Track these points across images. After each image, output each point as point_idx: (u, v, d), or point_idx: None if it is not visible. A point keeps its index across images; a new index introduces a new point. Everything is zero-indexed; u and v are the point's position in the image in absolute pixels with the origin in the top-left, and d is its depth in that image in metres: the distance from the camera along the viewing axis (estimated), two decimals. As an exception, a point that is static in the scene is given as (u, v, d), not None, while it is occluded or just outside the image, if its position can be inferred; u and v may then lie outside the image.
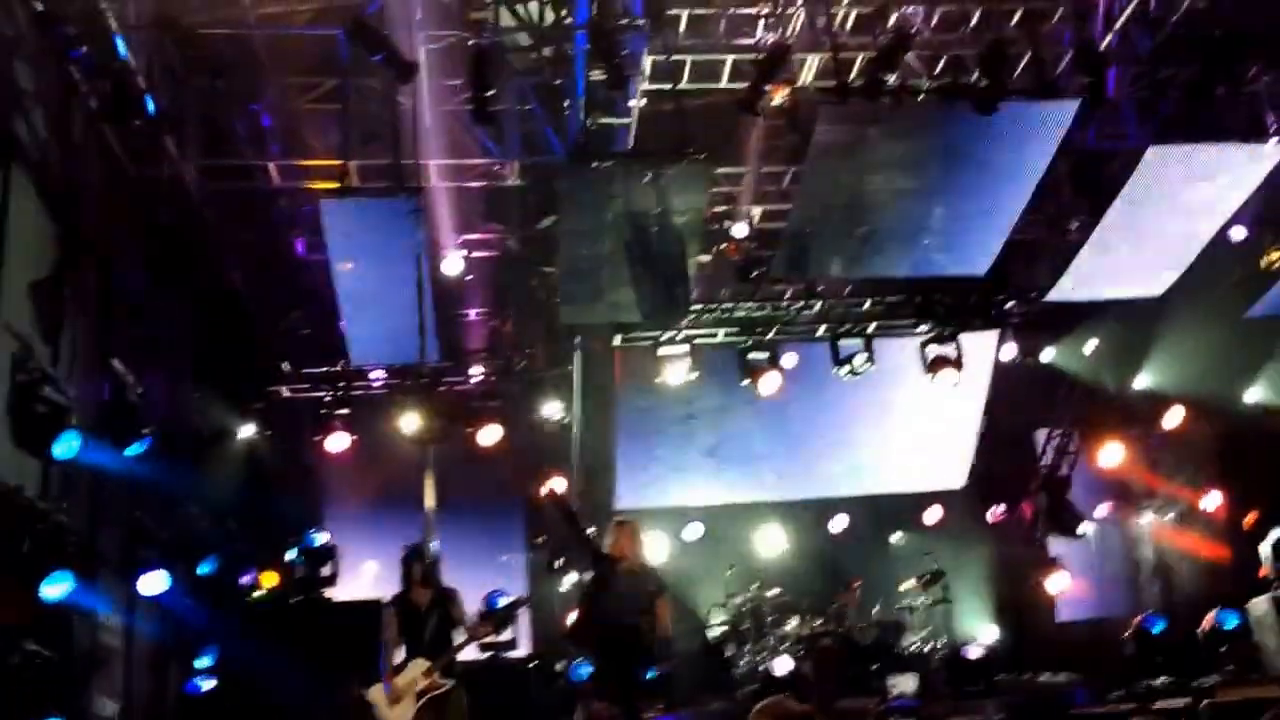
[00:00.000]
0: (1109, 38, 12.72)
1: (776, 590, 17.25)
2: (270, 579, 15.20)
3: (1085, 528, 18.11)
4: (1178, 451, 18.97)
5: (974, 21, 12.85)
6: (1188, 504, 19.05)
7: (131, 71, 10.90)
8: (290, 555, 15.47)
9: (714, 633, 17.28)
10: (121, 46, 10.64)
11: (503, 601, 14.24)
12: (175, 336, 14.07)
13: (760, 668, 16.10)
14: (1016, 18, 12.72)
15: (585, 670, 15.30)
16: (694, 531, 18.65)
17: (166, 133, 12.44)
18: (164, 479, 13.55)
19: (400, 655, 11.51)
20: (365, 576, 16.40)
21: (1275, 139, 14.16)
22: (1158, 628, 16.19)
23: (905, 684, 15.27)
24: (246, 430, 15.18)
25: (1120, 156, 14.44)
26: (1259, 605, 14.96)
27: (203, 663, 14.12)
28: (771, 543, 18.95)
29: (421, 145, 13.26)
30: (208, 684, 13.83)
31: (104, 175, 12.53)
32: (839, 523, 19.22)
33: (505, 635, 14.94)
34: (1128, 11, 12.47)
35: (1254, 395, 18.01)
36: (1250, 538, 17.22)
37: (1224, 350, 17.47)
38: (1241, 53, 12.62)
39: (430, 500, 15.90)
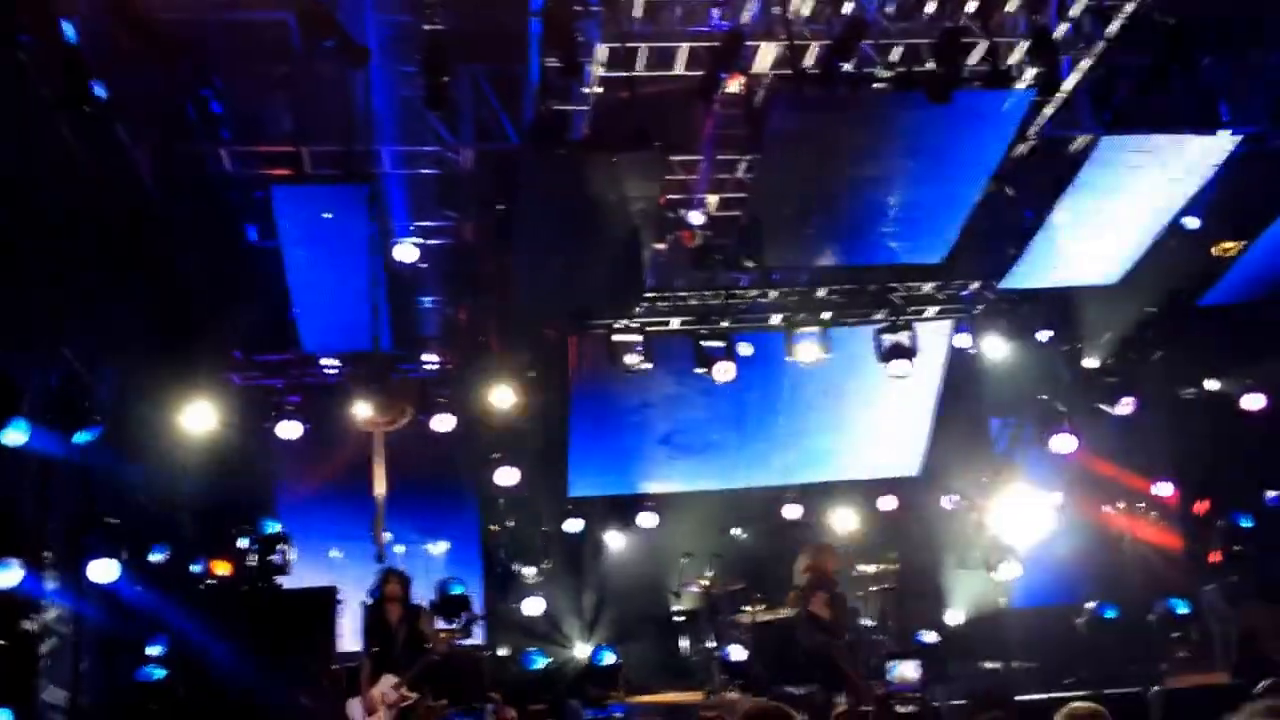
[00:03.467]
0: (1063, 26, 12.75)
1: (731, 578, 17.27)
2: (222, 567, 15.12)
3: (1039, 514, 18.24)
4: (1131, 439, 19.08)
5: (929, 10, 12.83)
6: (1140, 491, 19.19)
7: (81, 56, 10.76)
8: (242, 543, 15.38)
9: (668, 622, 17.28)
10: (70, 31, 10.49)
11: (456, 589, 14.31)
12: (126, 323, 13.93)
13: (715, 656, 16.12)
14: (972, 6, 12.71)
15: (538, 659, 15.33)
16: (648, 520, 18.63)
17: (117, 119, 12.32)
18: (114, 466, 13.48)
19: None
20: (318, 564, 16.33)
21: (1228, 129, 14.27)
22: (1110, 614, 16.34)
23: (906, 670, 15.25)
24: (197, 418, 15.05)
25: (1075, 145, 14.52)
26: (1209, 592, 15.10)
27: (153, 651, 14.06)
28: (726, 531, 18.96)
29: (375, 131, 13.18)
30: (158, 672, 13.74)
31: (54, 161, 12.39)
32: (793, 511, 19.25)
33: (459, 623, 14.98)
34: (1082, 1, 12.50)
35: (1206, 386, 18.14)
36: (1201, 525, 17.42)
37: (1176, 338, 17.60)
38: (1195, 42, 12.66)
39: (382, 488, 15.83)
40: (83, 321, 13.11)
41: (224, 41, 12.62)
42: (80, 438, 12.57)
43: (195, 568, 15.07)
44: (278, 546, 15.35)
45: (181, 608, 14.28)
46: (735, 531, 19.07)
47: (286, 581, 15.52)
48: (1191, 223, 15.66)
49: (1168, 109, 14.04)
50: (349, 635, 14.60)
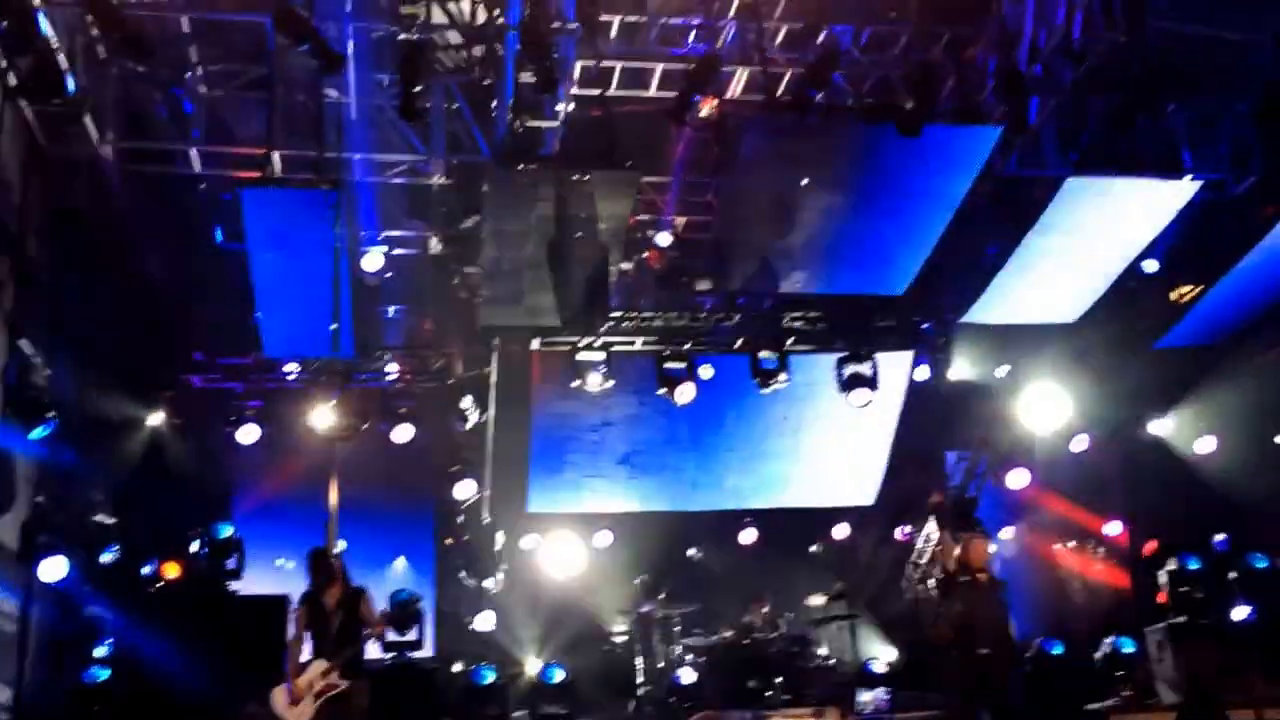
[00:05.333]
0: (1033, 67, 12.89)
1: (683, 600, 17.26)
2: (173, 570, 14.98)
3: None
4: (1083, 477, 19.21)
5: (902, 44, 12.97)
6: (1090, 529, 19.31)
7: (52, 49, 10.72)
8: (194, 547, 15.27)
9: (620, 641, 17.27)
10: (44, 23, 10.46)
11: (405, 597, 14.22)
12: (86, 320, 13.84)
13: (665, 678, 16.13)
14: (944, 42, 12.86)
15: (488, 674, 15.26)
16: (604, 539, 18.63)
17: (86, 113, 12.27)
18: (68, 464, 13.35)
19: (306, 655, 11.45)
20: (270, 571, 16.22)
21: (1189, 175, 14.46)
22: (1056, 650, 16.41)
23: (876, 696, 15.25)
24: (155, 418, 14.98)
25: (1040, 184, 14.65)
26: (1155, 632, 15.19)
27: (100, 652, 13.91)
28: (679, 552, 18.97)
29: (346, 138, 13.17)
30: (103, 674, 13.61)
31: (20, 153, 12.34)
32: (748, 535, 19.28)
33: (411, 635, 14.90)
34: (1052, 42, 12.65)
35: (1159, 428, 18.31)
36: (1149, 565, 17.53)
37: (1132, 379, 17.75)
38: (1160, 88, 12.82)
39: (338, 497, 15.76)
40: (42, 316, 13.00)
41: (199, 41, 12.61)
42: (35, 434, 12.44)
43: (146, 569, 14.94)
44: (230, 551, 15.25)
45: (130, 610, 14.14)
46: (690, 552, 19.10)
47: (238, 588, 15.41)
48: (1151, 266, 15.84)
49: (1132, 153, 14.21)
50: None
